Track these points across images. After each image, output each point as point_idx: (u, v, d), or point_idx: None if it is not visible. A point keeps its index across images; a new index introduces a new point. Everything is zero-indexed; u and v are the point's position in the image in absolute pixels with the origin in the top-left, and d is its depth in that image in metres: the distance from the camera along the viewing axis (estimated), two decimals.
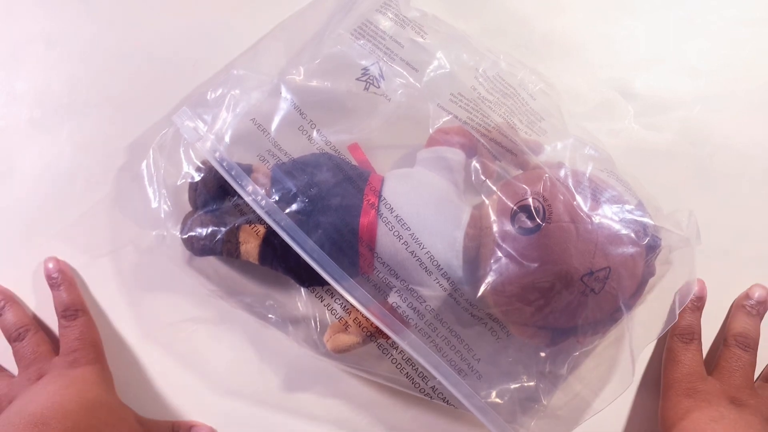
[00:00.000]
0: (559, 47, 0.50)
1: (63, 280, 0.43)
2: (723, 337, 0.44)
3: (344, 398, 0.43)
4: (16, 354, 0.43)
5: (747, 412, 0.41)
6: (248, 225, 0.40)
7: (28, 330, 0.43)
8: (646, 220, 0.38)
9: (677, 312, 0.40)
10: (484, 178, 0.39)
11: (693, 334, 0.43)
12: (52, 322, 0.44)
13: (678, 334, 0.43)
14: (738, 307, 0.45)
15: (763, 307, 0.45)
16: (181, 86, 0.46)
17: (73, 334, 0.42)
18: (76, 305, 0.43)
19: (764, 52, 0.50)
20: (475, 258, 0.38)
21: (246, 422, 0.43)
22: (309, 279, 0.39)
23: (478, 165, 0.40)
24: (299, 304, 0.42)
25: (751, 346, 0.43)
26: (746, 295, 0.45)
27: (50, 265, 0.44)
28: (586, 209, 0.37)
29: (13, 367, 0.43)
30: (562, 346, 0.39)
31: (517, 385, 0.39)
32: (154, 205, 0.41)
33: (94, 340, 0.43)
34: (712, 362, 0.44)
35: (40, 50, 0.48)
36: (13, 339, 0.43)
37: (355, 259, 0.38)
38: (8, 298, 0.44)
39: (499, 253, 0.37)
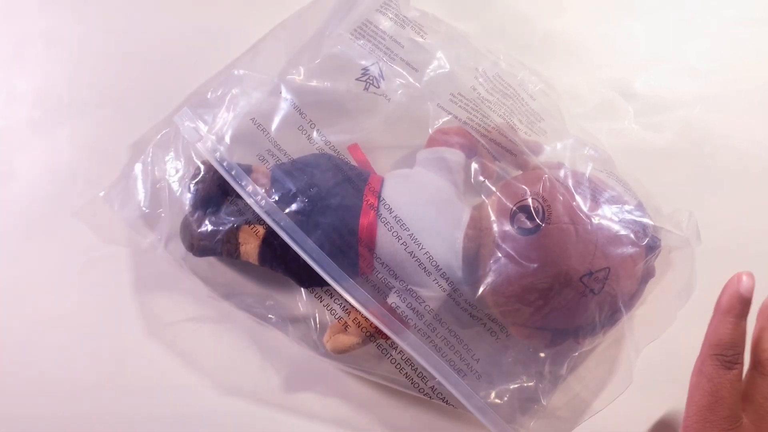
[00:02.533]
0: (559, 47, 0.50)
1: None
2: (754, 359, 0.34)
3: (344, 398, 0.43)
4: None
5: None
6: (248, 225, 0.40)
7: None
8: (645, 220, 0.38)
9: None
10: (483, 179, 0.39)
11: (737, 356, 0.32)
12: (53, 326, 0.44)
13: (718, 354, 0.31)
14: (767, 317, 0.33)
15: None
16: (181, 86, 0.46)
17: None
18: None
19: (764, 52, 0.50)
20: (474, 258, 0.38)
21: (246, 422, 0.43)
22: (308, 279, 0.39)
23: (477, 165, 0.40)
24: (299, 305, 0.42)
25: None
26: None
27: None
28: (585, 210, 0.37)
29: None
30: (562, 346, 0.39)
31: (516, 386, 0.39)
32: (154, 205, 0.42)
33: None
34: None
35: (40, 50, 0.48)
36: None
37: (355, 260, 0.38)
38: None
39: (499, 254, 0.37)
